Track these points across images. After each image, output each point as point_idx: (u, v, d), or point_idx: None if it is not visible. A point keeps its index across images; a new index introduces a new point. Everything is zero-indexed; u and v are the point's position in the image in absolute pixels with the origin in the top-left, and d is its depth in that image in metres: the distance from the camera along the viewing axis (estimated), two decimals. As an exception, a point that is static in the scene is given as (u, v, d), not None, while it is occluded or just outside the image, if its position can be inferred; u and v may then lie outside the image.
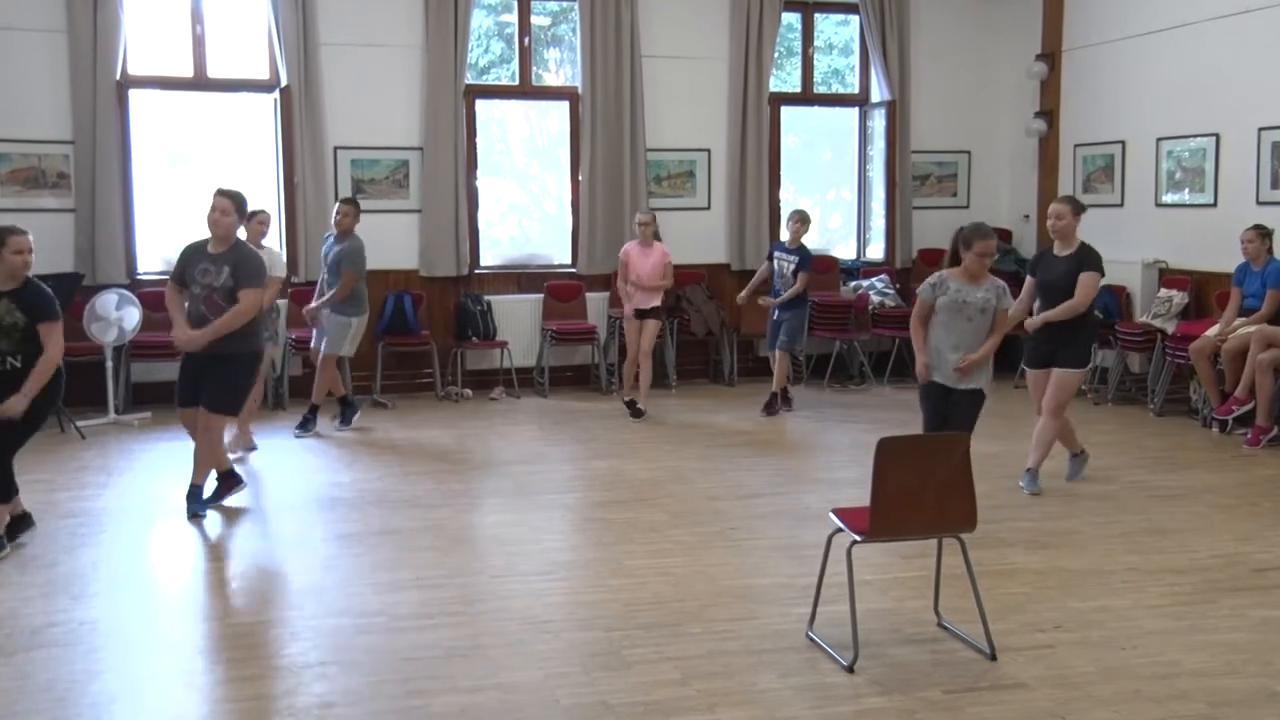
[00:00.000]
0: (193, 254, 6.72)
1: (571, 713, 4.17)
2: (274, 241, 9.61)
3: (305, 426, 9.01)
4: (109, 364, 9.31)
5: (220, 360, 6.62)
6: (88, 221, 9.94)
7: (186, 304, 6.75)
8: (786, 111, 12.05)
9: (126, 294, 9.47)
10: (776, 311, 9.84)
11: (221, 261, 6.62)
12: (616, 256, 11.23)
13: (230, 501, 6.91)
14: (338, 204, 9.29)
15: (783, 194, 12.01)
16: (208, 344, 6.56)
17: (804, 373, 11.44)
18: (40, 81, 9.88)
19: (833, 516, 4.79)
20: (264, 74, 10.58)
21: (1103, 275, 7.15)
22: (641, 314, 9.82)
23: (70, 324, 9.26)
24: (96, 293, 9.37)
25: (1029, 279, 7.31)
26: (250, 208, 7.24)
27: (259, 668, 4.64)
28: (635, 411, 9.70)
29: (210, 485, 6.85)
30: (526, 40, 11.24)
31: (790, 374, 10.10)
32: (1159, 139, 10.47)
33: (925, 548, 5.17)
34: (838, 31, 12.49)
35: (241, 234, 6.97)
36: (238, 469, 7.17)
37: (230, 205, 6.67)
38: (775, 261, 9.91)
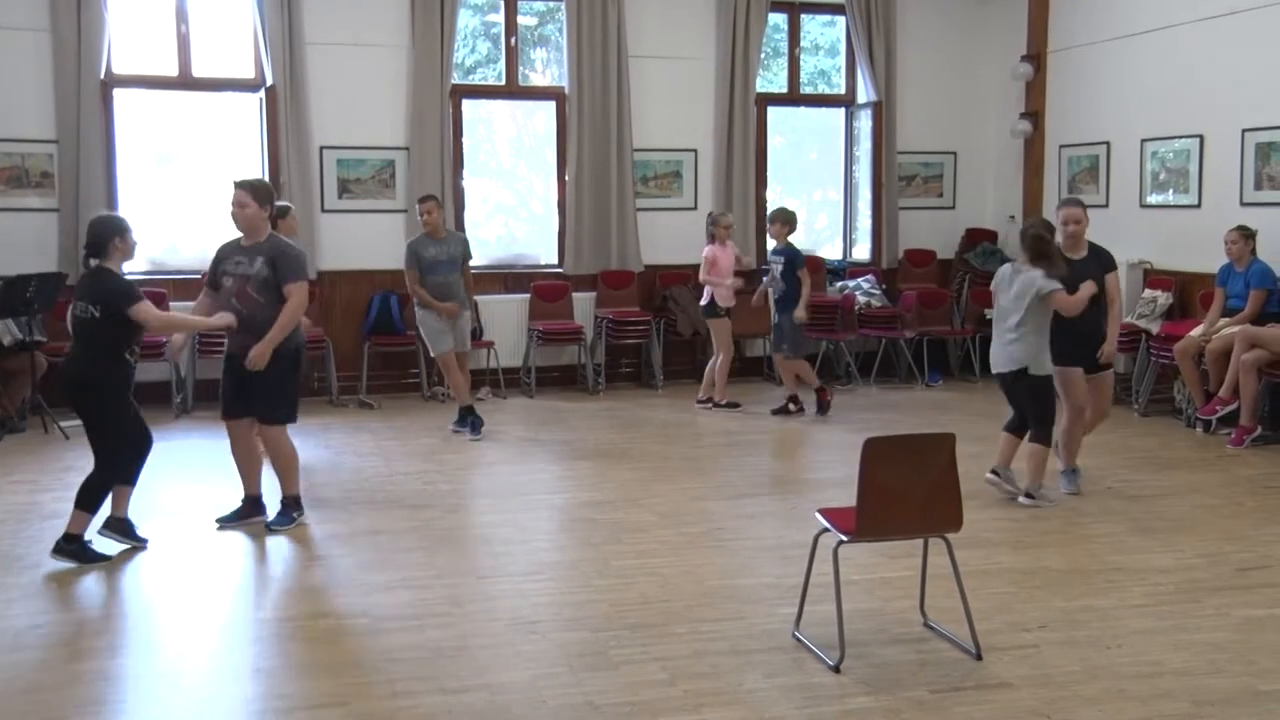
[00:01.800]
0: (225, 251, 6.41)
1: (558, 713, 4.17)
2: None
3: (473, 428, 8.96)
4: (93, 364, 9.25)
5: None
6: (71, 221, 9.89)
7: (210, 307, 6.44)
8: (773, 112, 12.06)
9: (111, 294, 9.42)
10: (776, 315, 9.79)
11: (255, 253, 6.28)
12: (602, 257, 11.26)
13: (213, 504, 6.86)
14: (420, 204, 9.09)
15: (769, 194, 12.03)
16: (244, 347, 6.19)
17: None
18: (24, 80, 9.83)
19: (819, 517, 4.80)
20: (249, 73, 10.55)
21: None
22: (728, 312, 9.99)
23: (54, 324, 9.31)
24: (80, 293, 9.32)
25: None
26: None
27: (244, 668, 4.63)
28: (732, 403, 10.00)
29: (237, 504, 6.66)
30: (513, 40, 11.23)
31: (806, 376, 9.87)
32: (1143, 140, 10.51)
33: (911, 548, 5.18)
34: (824, 32, 12.51)
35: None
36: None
37: (247, 196, 6.27)
38: (770, 265, 9.90)
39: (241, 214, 6.29)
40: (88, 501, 5.92)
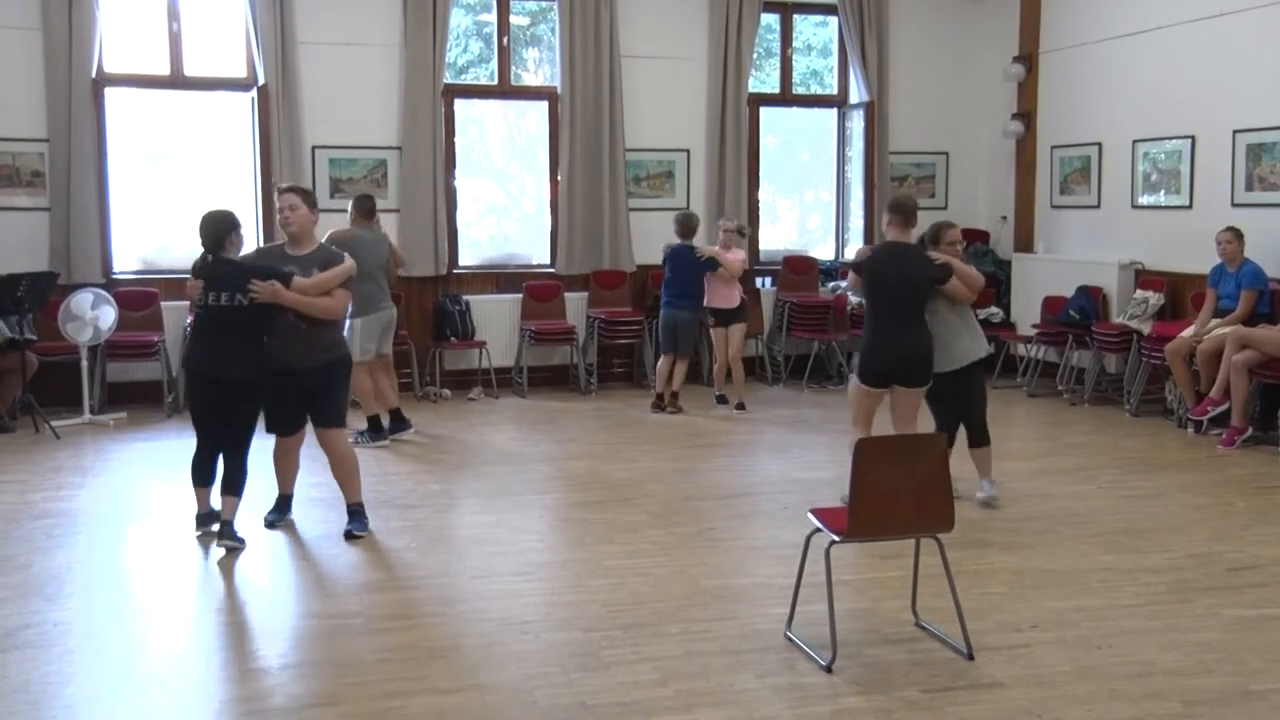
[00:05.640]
0: (271, 260, 6.19)
1: (550, 713, 4.17)
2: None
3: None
4: (84, 364, 9.25)
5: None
6: (63, 220, 9.88)
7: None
8: (765, 112, 12.07)
9: (102, 293, 9.41)
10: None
11: (309, 262, 6.11)
12: (595, 256, 11.27)
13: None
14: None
15: (761, 194, 12.04)
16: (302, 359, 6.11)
17: (782, 373, 11.47)
18: (15, 79, 9.81)
19: (811, 517, 4.80)
20: (241, 72, 10.53)
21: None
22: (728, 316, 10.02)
23: (45, 324, 9.29)
24: (71, 292, 9.31)
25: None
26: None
27: (236, 669, 4.62)
28: (739, 406, 9.97)
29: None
30: (505, 40, 11.22)
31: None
32: (1135, 141, 10.54)
33: (903, 548, 5.18)
34: (816, 32, 12.52)
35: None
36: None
37: (298, 199, 6.16)
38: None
39: (294, 216, 6.14)
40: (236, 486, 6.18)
